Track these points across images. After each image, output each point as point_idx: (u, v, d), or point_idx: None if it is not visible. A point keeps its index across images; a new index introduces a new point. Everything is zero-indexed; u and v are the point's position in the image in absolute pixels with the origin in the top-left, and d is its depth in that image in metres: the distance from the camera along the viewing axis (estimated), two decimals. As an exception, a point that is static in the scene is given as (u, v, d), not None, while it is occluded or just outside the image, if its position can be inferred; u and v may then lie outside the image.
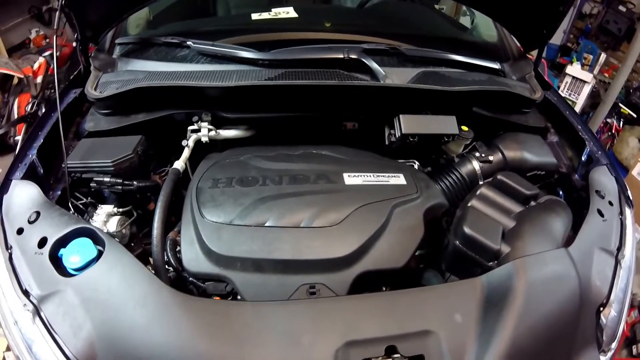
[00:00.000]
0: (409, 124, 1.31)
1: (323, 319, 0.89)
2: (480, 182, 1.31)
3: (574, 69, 3.85)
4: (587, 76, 3.79)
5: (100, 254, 0.96)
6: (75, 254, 0.95)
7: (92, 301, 0.89)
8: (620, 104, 4.33)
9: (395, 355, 0.84)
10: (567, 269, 1.00)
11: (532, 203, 1.20)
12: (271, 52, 1.41)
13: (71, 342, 0.86)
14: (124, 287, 0.90)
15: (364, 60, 1.40)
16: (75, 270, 0.94)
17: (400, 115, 1.32)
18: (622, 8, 4.87)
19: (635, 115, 4.39)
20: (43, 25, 4.77)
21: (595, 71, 4.00)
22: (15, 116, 3.40)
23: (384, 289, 1.06)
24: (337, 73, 1.36)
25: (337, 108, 1.41)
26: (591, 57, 4.57)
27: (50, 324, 0.88)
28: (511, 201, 1.17)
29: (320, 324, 0.88)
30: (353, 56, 1.40)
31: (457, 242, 1.08)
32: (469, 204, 1.14)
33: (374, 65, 1.39)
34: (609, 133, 4.30)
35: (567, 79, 3.85)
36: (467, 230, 1.05)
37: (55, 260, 0.96)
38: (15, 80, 3.53)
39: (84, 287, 0.90)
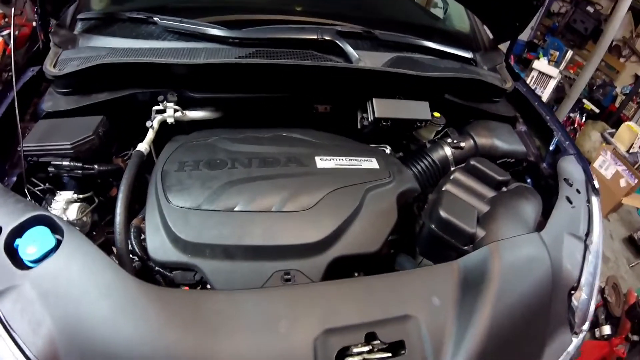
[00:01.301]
0: (381, 108, 1.30)
1: (300, 306, 0.86)
2: (452, 168, 1.32)
3: (540, 64, 3.98)
4: (553, 71, 3.92)
5: (59, 243, 0.90)
6: (32, 244, 0.89)
7: (51, 295, 0.83)
8: (584, 100, 4.51)
9: (375, 342, 0.83)
10: (540, 252, 1.03)
11: (504, 189, 1.22)
12: (242, 31, 1.36)
13: (30, 340, 0.80)
14: (85, 278, 0.85)
15: (337, 42, 1.38)
16: (33, 262, 0.88)
17: (374, 99, 1.31)
18: (589, 9, 5.07)
19: (597, 111, 4.60)
20: (1, 4, 4.49)
21: (562, 67, 4.14)
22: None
23: (356, 274, 1.05)
24: (310, 54, 1.33)
25: (309, 90, 1.38)
26: (557, 53, 4.73)
27: (7, 322, 0.82)
28: (484, 186, 1.19)
29: (297, 312, 0.85)
30: (327, 37, 1.38)
31: (433, 225, 1.08)
32: (443, 188, 1.15)
33: (347, 47, 1.37)
34: (572, 127, 4.48)
35: (534, 74, 3.97)
36: (442, 213, 1.05)
37: (11, 251, 0.89)
38: (-27, 64, 3.30)
39: (42, 280, 0.84)
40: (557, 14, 5.69)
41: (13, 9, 1.21)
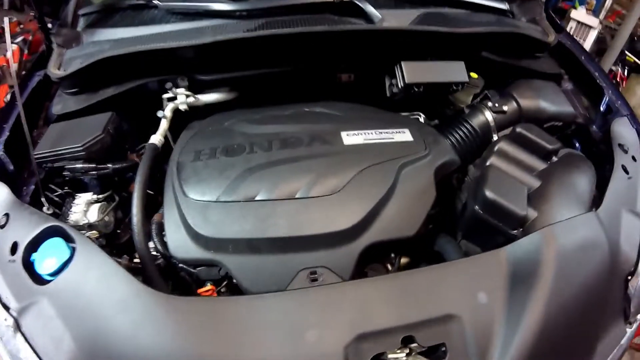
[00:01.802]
0: (412, 72, 1.20)
1: (328, 311, 0.80)
2: (494, 135, 1.23)
3: (579, 13, 3.69)
4: (593, 21, 3.64)
5: (74, 251, 0.89)
6: (47, 257, 0.89)
7: (69, 310, 0.83)
8: (626, 52, 4.18)
9: (413, 345, 0.77)
10: (597, 235, 0.94)
11: (554, 158, 1.12)
12: (249, 1, 1.29)
13: (52, 355, 0.81)
14: (100, 293, 0.84)
15: (356, 1, 1.27)
16: (50, 275, 0.88)
17: (402, 63, 1.21)
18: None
19: (640, 63, 4.25)
20: (15, 12, 4.57)
21: (602, 16, 3.82)
22: (-5, 110, 3.25)
23: (392, 255, 1.00)
24: (327, 18, 1.24)
25: (330, 58, 1.30)
26: (594, 1, 4.39)
27: (30, 339, 0.83)
28: (533, 157, 1.09)
29: (326, 317, 0.80)
30: (343, -2, 1.26)
31: (477, 207, 0.98)
32: (488, 162, 1.05)
33: (368, 7, 1.26)
34: (614, 81, 4.18)
35: (572, 24, 3.70)
36: (489, 194, 0.95)
37: (29, 266, 0.90)
38: (-9, 72, 3.37)
39: (59, 296, 0.85)
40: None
41: (7, 19, 1.18)
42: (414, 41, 1.26)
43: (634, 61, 4.22)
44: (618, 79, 4.22)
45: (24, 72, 3.43)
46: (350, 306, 0.80)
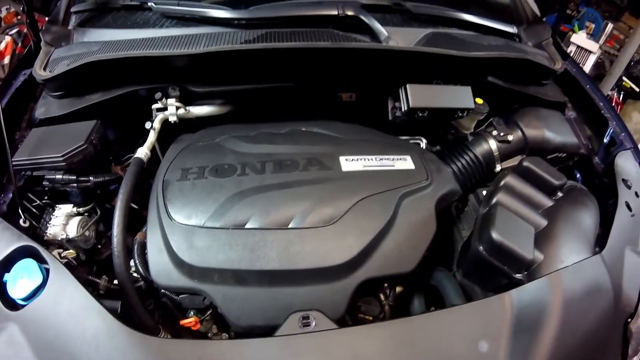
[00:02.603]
0: (417, 95, 1.16)
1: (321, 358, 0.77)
2: (497, 165, 1.20)
3: (579, 37, 3.72)
4: (592, 46, 3.67)
5: (48, 275, 0.86)
6: (20, 279, 0.86)
7: (41, 341, 0.79)
8: (623, 77, 4.23)
9: None
10: (602, 279, 0.93)
11: (559, 194, 1.09)
12: (248, 10, 1.26)
13: None
14: (73, 327, 0.80)
15: (362, 17, 1.24)
16: (23, 299, 0.85)
17: (407, 85, 1.17)
18: (626, -25, 4.76)
19: (637, 89, 4.30)
20: (13, 2, 4.48)
21: (601, 41, 3.85)
22: (-18, 103, 3.16)
23: (386, 286, 0.97)
24: (330, 33, 1.21)
25: (331, 76, 1.27)
26: (593, 25, 4.45)
27: None
28: (539, 193, 1.07)
29: None
30: (349, 13, 1.24)
31: (482, 248, 0.94)
32: (495, 200, 1.01)
33: (374, 24, 1.23)
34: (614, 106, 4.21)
35: (572, 48, 3.71)
36: (496, 236, 0.91)
37: (1, 289, 0.87)
38: (-20, 65, 3.28)
39: (30, 324, 0.81)
40: (591, -19, 5.37)
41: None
42: (421, 62, 1.23)
43: (630, 87, 4.26)
44: (614, 104, 4.27)
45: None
46: (345, 355, 0.77)
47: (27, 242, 0.90)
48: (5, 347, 0.80)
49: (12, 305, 0.85)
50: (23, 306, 0.84)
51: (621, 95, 4.21)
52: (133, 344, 0.77)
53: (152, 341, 0.79)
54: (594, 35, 4.30)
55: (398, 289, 1.00)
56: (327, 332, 0.81)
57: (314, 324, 0.82)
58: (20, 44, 3.59)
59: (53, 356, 0.78)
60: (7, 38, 3.59)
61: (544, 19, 1.61)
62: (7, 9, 4.42)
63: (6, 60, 3.49)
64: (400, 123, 1.25)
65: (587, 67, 3.73)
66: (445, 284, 1.00)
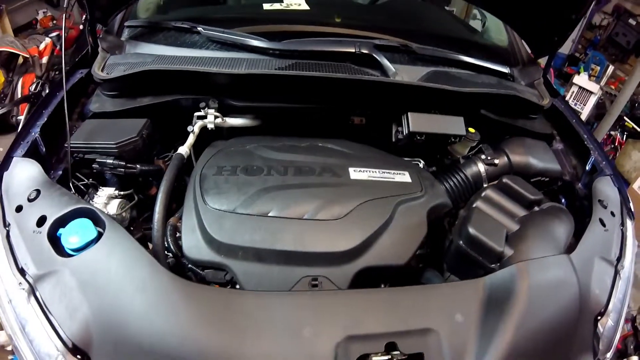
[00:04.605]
0: (417, 122, 1.30)
1: (325, 312, 0.88)
2: (485, 185, 1.31)
3: (581, 79, 3.84)
4: (593, 87, 3.78)
5: (100, 235, 0.94)
6: (75, 234, 0.93)
7: (89, 284, 0.87)
8: (625, 117, 4.32)
9: (395, 352, 0.84)
10: (568, 275, 1.01)
11: (536, 208, 1.20)
12: (282, 42, 1.40)
13: (66, 324, 0.84)
14: (123, 271, 0.89)
15: (375, 55, 1.40)
16: (74, 250, 0.92)
17: (409, 113, 1.32)
18: (632, 21, 4.88)
19: (639, 129, 4.38)
20: (50, 7, 4.74)
21: (602, 82, 3.99)
22: (19, 96, 3.38)
23: (382, 286, 1.06)
24: (348, 67, 1.36)
25: (346, 102, 1.40)
26: (598, 68, 4.55)
27: (45, 305, 0.87)
28: (515, 205, 1.17)
29: (321, 317, 0.87)
30: (364, 51, 1.40)
31: (461, 242, 1.07)
32: (474, 205, 1.14)
33: (384, 61, 1.39)
34: (612, 146, 4.30)
35: (574, 89, 3.84)
36: (471, 230, 1.05)
37: (54, 240, 0.94)
38: (20, 60, 3.51)
39: (82, 269, 0.89)
40: (599, 26, 5.50)
41: (64, 15, 1.27)
42: (422, 95, 1.35)
43: (633, 127, 4.35)
44: (617, 144, 4.34)
45: (55, 67, 3.58)
46: (344, 311, 0.88)
47: (84, 204, 0.99)
48: (52, 287, 0.87)
49: (64, 255, 0.91)
50: (74, 256, 0.90)
51: (624, 136, 4.30)
52: (173, 286, 0.86)
53: (189, 285, 0.88)
54: (599, 77, 4.42)
55: None
56: (331, 291, 0.94)
57: (320, 286, 0.95)
58: (58, 47, 3.82)
59: (101, 296, 0.85)
60: (47, 40, 3.81)
61: (538, 61, 1.73)
62: (44, 12, 4.69)
63: (44, 60, 3.70)
64: (402, 145, 1.38)
65: (588, 107, 3.83)
66: (432, 281, 1.13)
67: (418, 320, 0.89)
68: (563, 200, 1.42)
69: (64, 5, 1.17)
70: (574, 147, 1.50)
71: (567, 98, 3.93)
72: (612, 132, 4.22)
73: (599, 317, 1.06)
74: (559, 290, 0.99)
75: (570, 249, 1.10)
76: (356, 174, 1.18)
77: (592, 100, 3.79)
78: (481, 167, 1.33)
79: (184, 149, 1.20)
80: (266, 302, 0.88)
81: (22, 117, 3.25)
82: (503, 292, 0.94)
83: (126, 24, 1.57)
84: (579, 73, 4.14)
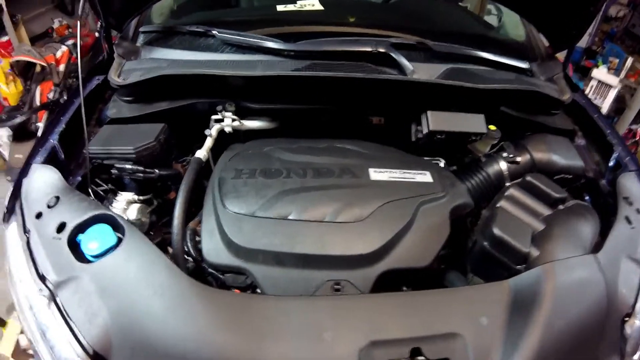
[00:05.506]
0: (436, 120, 1.28)
1: (347, 317, 0.87)
2: (507, 183, 1.29)
3: (600, 72, 3.75)
4: (613, 80, 3.69)
5: (119, 241, 0.94)
6: (94, 240, 0.94)
7: (108, 289, 0.88)
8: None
9: (420, 358, 0.82)
10: (595, 275, 0.99)
11: (560, 207, 1.18)
12: (297, 43, 1.39)
13: (86, 329, 0.85)
14: (141, 276, 0.89)
15: (392, 54, 1.38)
16: (94, 256, 0.93)
17: (428, 112, 1.30)
18: (649, 12, 4.74)
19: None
20: (66, 15, 4.81)
21: (622, 75, 3.89)
22: (37, 103, 3.43)
23: (404, 289, 1.05)
24: (365, 66, 1.34)
25: (364, 102, 1.39)
26: (617, 60, 4.45)
27: (65, 310, 0.87)
28: (540, 204, 1.16)
29: (343, 322, 0.86)
30: (381, 50, 1.38)
31: (485, 243, 1.06)
32: (498, 205, 1.12)
33: (402, 59, 1.37)
34: (634, 140, 4.19)
35: (593, 83, 3.76)
36: (496, 231, 1.03)
37: (74, 245, 0.95)
38: (38, 68, 3.56)
39: (101, 275, 0.89)
40: (615, 18, 5.38)
41: (79, 22, 1.28)
42: (440, 93, 1.33)
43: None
44: (638, 138, 4.23)
45: (72, 75, 3.64)
46: (367, 315, 0.87)
47: (104, 210, 1.00)
48: (72, 293, 0.87)
49: (83, 260, 0.92)
50: (94, 262, 0.91)
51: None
52: (191, 291, 0.86)
53: (207, 290, 0.88)
54: (618, 70, 4.32)
55: None
56: (353, 296, 0.93)
57: (344, 290, 0.93)
58: (74, 54, 3.87)
59: (119, 301, 0.85)
60: (64, 48, 3.86)
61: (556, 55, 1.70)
62: (59, 21, 4.77)
63: (61, 67, 3.75)
64: (422, 145, 1.36)
65: (608, 101, 3.73)
66: (455, 283, 1.11)
67: (443, 325, 0.88)
68: (587, 198, 1.39)
69: (79, 13, 1.17)
70: (597, 142, 1.47)
71: (586, 92, 3.85)
72: (633, 127, 4.12)
73: (626, 319, 1.03)
74: (586, 291, 0.97)
75: (596, 248, 1.07)
76: (376, 174, 1.16)
77: (612, 94, 3.70)
78: (503, 165, 1.31)
79: (201, 153, 1.20)
80: (286, 306, 0.88)
81: (40, 125, 3.31)
82: (529, 294, 0.92)
83: (141, 29, 1.58)
84: (597, 66, 4.05)
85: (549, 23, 1.59)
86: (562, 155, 1.35)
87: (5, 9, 3.43)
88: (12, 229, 1.07)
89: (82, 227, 0.97)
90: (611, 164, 1.37)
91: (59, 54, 3.78)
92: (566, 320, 0.91)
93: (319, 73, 1.27)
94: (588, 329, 0.95)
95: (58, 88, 3.51)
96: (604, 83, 3.72)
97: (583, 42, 5.25)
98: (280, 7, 1.66)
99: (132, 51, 1.47)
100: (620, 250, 1.08)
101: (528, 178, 1.20)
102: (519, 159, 1.32)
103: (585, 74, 4.34)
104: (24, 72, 3.56)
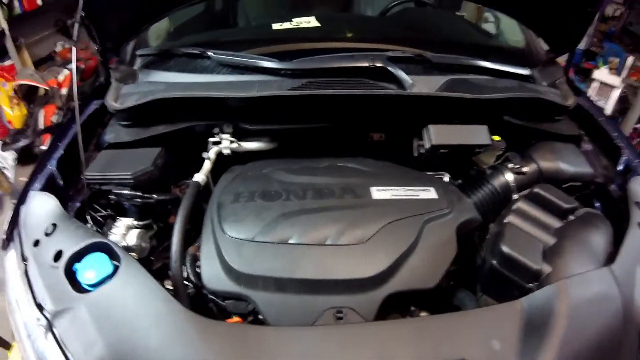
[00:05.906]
0: (439, 134, 1.25)
1: (351, 347, 0.83)
2: (514, 195, 1.26)
3: (601, 73, 3.72)
4: (615, 80, 3.66)
5: (116, 269, 0.93)
6: (90, 269, 0.93)
7: (105, 319, 0.86)
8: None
9: None
10: (611, 289, 0.95)
11: (571, 217, 1.15)
12: (294, 62, 1.38)
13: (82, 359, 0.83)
14: (138, 306, 0.88)
15: (389, 68, 1.36)
16: (90, 286, 0.92)
17: (430, 126, 1.27)
18: (645, 9, 4.73)
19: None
20: (68, 39, 4.87)
21: (624, 75, 3.86)
22: (41, 127, 3.46)
23: (412, 309, 1.02)
24: (362, 82, 1.32)
25: (363, 118, 1.37)
26: (617, 60, 4.42)
27: (62, 341, 0.86)
28: (549, 216, 1.12)
29: (348, 353, 0.83)
30: (378, 64, 1.36)
31: (495, 262, 1.02)
32: (505, 220, 1.09)
33: (400, 73, 1.35)
34: (639, 140, 4.14)
35: (595, 84, 3.73)
36: (505, 249, 1.00)
37: (70, 274, 0.94)
38: (41, 92, 3.60)
39: (97, 305, 0.88)
40: (612, 17, 5.37)
41: (74, 48, 1.28)
42: (441, 106, 1.31)
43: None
44: (643, 138, 4.18)
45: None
46: (372, 345, 0.84)
47: (99, 239, 0.98)
48: (68, 323, 0.87)
49: (80, 290, 0.91)
50: (90, 292, 0.90)
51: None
52: (189, 323, 0.84)
53: (205, 321, 0.86)
54: (618, 70, 4.28)
55: (423, 314, 1.03)
56: (357, 324, 0.89)
57: (346, 318, 0.90)
58: (74, 77, 3.91)
59: (116, 331, 0.84)
60: (66, 71, 3.91)
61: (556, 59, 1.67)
62: (62, 44, 4.82)
63: (64, 90, 3.79)
64: (425, 159, 1.32)
65: (612, 102, 3.69)
66: (465, 302, 1.08)
67: (452, 351, 0.84)
68: (597, 204, 1.35)
69: (74, 38, 1.18)
70: (604, 146, 1.44)
71: (589, 94, 3.81)
72: (638, 126, 4.07)
73: None
74: (602, 306, 0.93)
75: (610, 258, 1.04)
76: (378, 193, 1.13)
77: (615, 95, 3.66)
78: (509, 177, 1.28)
79: (199, 176, 1.18)
80: (287, 338, 0.84)
81: (44, 148, 3.33)
82: (542, 314, 0.89)
83: (138, 52, 1.59)
84: (597, 67, 4.02)
85: (547, 27, 1.58)
86: (569, 163, 1.32)
87: (8, 33, 3.48)
88: (11, 257, 1.07)
89: (78, 256, 0.96)
90: (620, 168, 1.34)
91: (61, 77, 3.83)
92: (582, 340, 0.88)
93: (315, 92, 1.26)
94: (605, 347, 0.91)
95: (61, 111, 3.54)
96: (606, 84, 3.69)
97: (582, 44, 5.23)
98: (275, 26, 1.66)
99: (129, 75, 1.47)
100: (635, 259, 1.04)
101: (536, 190, 1.16)
102: (525, 169, 1.29)
103: (586, 75, 4.32)
104: (27, 95, 3.60)
